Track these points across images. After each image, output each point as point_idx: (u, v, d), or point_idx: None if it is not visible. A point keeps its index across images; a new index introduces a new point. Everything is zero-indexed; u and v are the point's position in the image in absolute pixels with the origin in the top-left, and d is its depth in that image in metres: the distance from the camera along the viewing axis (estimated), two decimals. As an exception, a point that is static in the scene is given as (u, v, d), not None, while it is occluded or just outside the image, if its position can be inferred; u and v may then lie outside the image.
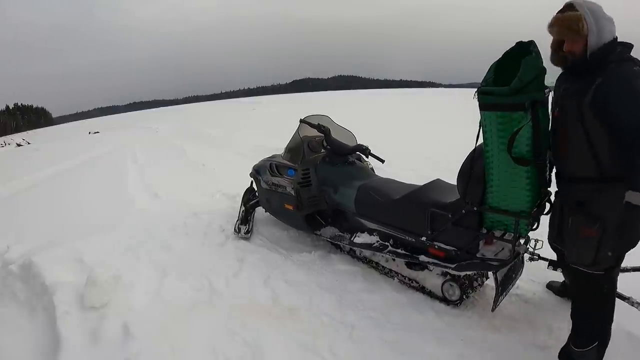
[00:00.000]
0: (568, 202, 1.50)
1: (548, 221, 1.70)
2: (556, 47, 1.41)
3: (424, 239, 1.95)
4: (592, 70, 1.32)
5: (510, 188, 1.53)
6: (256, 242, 2.84)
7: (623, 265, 1.50)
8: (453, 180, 1.85)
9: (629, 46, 1.36)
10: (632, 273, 1.72)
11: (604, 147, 1.33)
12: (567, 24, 1.33)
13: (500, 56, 1.48)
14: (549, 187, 1.62)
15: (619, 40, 1.36)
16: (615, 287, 1.49)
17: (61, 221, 3.48)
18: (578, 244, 1.42)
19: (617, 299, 1.52)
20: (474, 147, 1.66)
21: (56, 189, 5.21)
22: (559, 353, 1.59)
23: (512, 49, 1.45)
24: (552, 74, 1.46)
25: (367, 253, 2.38)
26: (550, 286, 2.05)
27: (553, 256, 1.85)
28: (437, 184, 2.10)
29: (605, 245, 1.34)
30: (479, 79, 1.53)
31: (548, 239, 1.74)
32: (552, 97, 1.49)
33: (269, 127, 9.56)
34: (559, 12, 1.37)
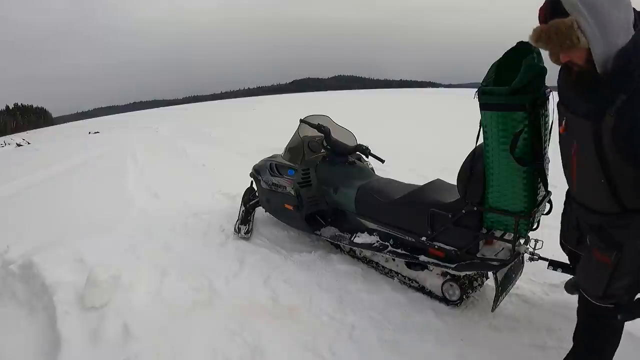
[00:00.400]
0: (582, 223, 1.29)
1: (560, 220, 1.54)
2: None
3: (424, 239, 1.95)
4: (609, 84, 0.97)
5: (510, 188, 1.53)
6: (256, 242, 2.84)
7: None
8: (453, 180, 1.86)
9: None
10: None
11: (629, 185, 1.04)
12: (554, 40, 0.98)
13: (501, 56, 1.48)
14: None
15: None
16: (624, 323, 1.30)
17: (61, 221, 3.48)
18: (589, 268, 1.22)
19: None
20: (474, 147, 1.66)
21: (56, 188, 5.20)
22: None
23: (513, 48, 1.45)
24: (554, 73, 1.40)
25: (367, 253, 2.38)
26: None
27: (553, 256, 1.85)
28: (437, 184, 2.10)
29: (619, 278, 1.13)
30: (479, 79, 1.53)
31: (560, 237, 1.56)
32: (557, 105, 1.24)
33: (269, 127, 9.56)
34: (542, 10, 1.01)
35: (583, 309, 1.33)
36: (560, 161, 1.29)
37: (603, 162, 1.03)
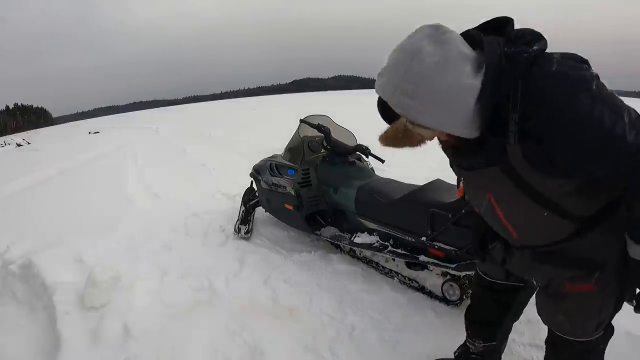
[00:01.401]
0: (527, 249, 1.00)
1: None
2: None
3: (424, 239, 1.95)
4: (493, 132, 0.78)
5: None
6: (256, 242, 2.84)
7: None
8: (453, 180, 1.85)
9: (524, 37, 0.76)
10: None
11: (578, 199, 0.85)
12: (402, 144, 0.83)
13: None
14: None
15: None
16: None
17: (61, 221, 3.49)
18: (569, 308, 0.99)
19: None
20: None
21: (56, 189, 5.22)
22: None
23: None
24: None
25: (367, 253, 2.38)
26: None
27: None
28: (437, 184, 2.10)
29: (610, 297, 0.95)
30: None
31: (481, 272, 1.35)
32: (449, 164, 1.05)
33: (269, 127, 9.57)
34: (379, 107, 0.84)
35: (568, 352, 1.09)
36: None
37: (537, 197, 0.84)
